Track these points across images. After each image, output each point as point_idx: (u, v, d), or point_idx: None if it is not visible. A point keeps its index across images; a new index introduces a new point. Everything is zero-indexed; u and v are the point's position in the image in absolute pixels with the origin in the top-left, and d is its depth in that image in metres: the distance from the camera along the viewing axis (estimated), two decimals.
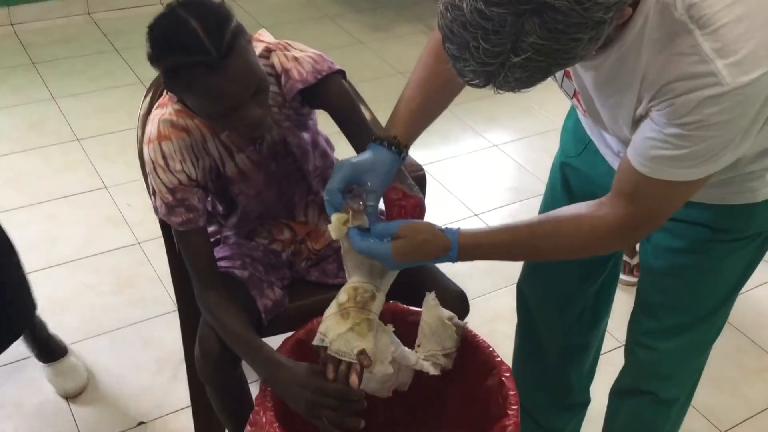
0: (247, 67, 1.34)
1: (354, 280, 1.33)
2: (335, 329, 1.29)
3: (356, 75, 1.79)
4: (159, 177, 1.47)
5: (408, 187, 1.39)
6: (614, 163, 1.40)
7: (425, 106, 1.40)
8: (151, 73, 1.48)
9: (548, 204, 1.67)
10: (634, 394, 1.70)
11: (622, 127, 1.23)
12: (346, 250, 1.35)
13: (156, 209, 1.51)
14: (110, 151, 3.14)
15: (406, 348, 1.41)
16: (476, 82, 1.01)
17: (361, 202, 1.31)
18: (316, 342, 1.32)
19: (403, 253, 1.26)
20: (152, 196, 1.51)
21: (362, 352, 1.28)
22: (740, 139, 1.12)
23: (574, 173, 1.58)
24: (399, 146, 1.35)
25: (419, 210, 1.39)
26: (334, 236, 1.32)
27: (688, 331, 1.54)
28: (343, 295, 1.32)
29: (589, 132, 1.51)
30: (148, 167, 1.49)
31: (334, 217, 1.30)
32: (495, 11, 0.92)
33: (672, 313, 1.53)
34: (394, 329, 1.38)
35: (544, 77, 1.01)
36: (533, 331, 1.80)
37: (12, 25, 4.03)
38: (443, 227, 1.29)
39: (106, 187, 2.94)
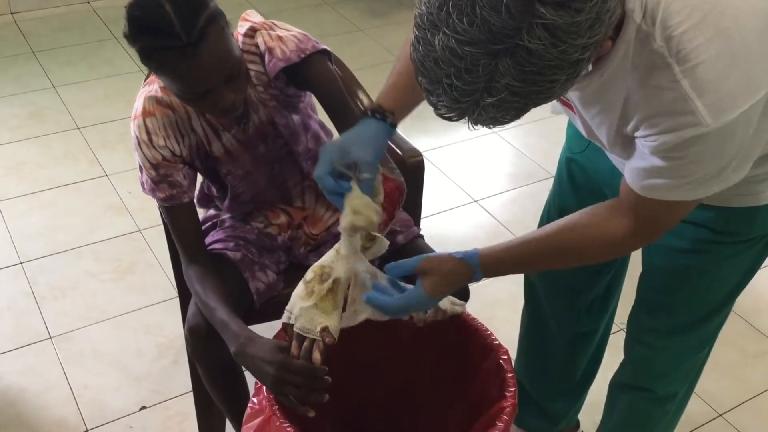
0: (219, 54, 1.34)
1: (321, 260, 1.33)
2: (300, 305, 1.30)
3: (355, 62, 1.79)
4: (143, 152, 1.49)
5: (389, 170, 1.39)
6: (616, 162, 1.38)
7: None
8: None
9: (556, 196, 1.66)
10: (632, 390, 1.70)
11: (604, 144, 1.24)
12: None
13: (142, 184, 1.54)
14: (110, 139, 3.15)
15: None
16: (450, 115, 0.97)
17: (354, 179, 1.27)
18: (283, 319, 1.33)
19: (437, 289, 1.30)
20: (139, 172, 1.53)
21: (325, 329, 1.28)
22: (737, 163, 1.11)
23: (578, 169, 1.57)
24: (385, 113, 1.29)
25: (399, 193, 1.38)
26: (344, 255, 1.31)
27: (686, 330, 1.52)
28: (309, 274, 1.33)
29: None
30: (134, 143, 1.50)
31: (348, 208, 1.25)
32: (467, 50, 0.88)
33: (671, 312, 1.52)
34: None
35: (519, 116, 0.97)
36: (541, 319, 1.80)
37: (12, 14, 4.03)
38: (461, 252, 1.30)
39: (106, 175, 2.95)
